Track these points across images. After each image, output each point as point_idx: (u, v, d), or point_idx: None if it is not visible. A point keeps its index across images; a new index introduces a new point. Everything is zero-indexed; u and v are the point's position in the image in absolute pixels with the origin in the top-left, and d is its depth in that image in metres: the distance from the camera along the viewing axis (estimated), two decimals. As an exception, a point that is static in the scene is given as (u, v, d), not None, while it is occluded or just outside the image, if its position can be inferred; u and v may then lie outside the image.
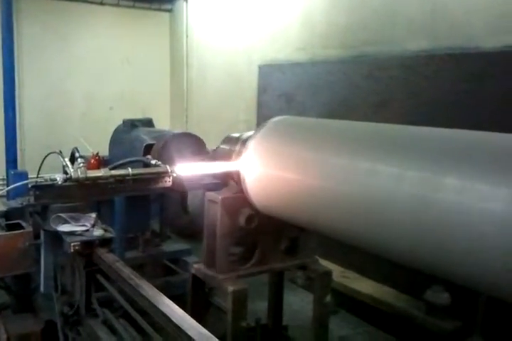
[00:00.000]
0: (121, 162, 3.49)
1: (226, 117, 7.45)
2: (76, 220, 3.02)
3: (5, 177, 7.34)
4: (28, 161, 7.47)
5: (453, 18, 4.25)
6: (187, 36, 8.43)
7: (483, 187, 1.68)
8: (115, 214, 4.64)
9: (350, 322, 4.72)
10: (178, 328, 2.03)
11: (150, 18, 8.82)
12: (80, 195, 3.16)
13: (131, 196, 4.08)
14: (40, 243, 3.10)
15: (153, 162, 3.45)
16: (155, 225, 5.17)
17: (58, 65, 8.06)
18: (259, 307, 3.97)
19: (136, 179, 3.29)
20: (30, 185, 3.17)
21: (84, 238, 2.88)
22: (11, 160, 7.37)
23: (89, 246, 2.87)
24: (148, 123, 5.22)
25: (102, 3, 8.24)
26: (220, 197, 2.86)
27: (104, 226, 3.06)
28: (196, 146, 4.02)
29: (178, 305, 2.23)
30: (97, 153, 5.00)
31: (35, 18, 7.79)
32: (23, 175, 5.62)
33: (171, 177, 3.39)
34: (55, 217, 3.03)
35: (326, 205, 2.33)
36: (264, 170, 2.70)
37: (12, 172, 6.34)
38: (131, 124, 5.02)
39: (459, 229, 1.72)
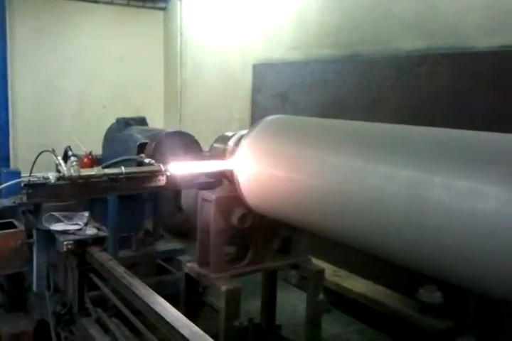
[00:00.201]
0: (114, 161, 3.48)
1: (220, 116, 7.44)
2: (69, 219, 3.01)
3: (-3, 175, 7.30)
4: (21, 160, 7.43)
5: (447, 18, 4.26)
6: (181, 35, 8.40)
7: (475, 185, 1.69)
8: (108, 213, 4.63)
9: (342, 321, 4.73)
10: (171, 327, 2.02)
11: (144, 16, 8.79)
12: (73, 193, 3.14)
13: (125, 195, 4.08)
14: (32, 242, 3.08)
15: (146, 161, 3.44)
16: (148, 224, 5.16)
17: (51, 63, 8.02)
18: (252, 306, 3.98)
19: (130, 178, 3.27)
20: (22, 184, 3.15)
21: (77, 237, 2.86)
22: (4, 159, 7.31)
23: (82, 245, 2.86)
24: (142, 121, 5.19)
25: (96, 1, 8.21)
26: (213, 196, 2.87)
27: (97, 225, 3.04)
28: (190, 145, 4.01)
29: (171, 304, 2.22)
30: (90, 152, 5.00)
31: (28, 17, 7.75)
32: (16, 174, 5.58)
33: (165, 176, 3.38)
34: (48, 215, 3.01)
35: (319, 204, 2.33)
36: (257, 168, 2.71)
37: (4, 171, 6.30)
38: (124, 123, 5.00)
39: (452, 227, 1.73)
